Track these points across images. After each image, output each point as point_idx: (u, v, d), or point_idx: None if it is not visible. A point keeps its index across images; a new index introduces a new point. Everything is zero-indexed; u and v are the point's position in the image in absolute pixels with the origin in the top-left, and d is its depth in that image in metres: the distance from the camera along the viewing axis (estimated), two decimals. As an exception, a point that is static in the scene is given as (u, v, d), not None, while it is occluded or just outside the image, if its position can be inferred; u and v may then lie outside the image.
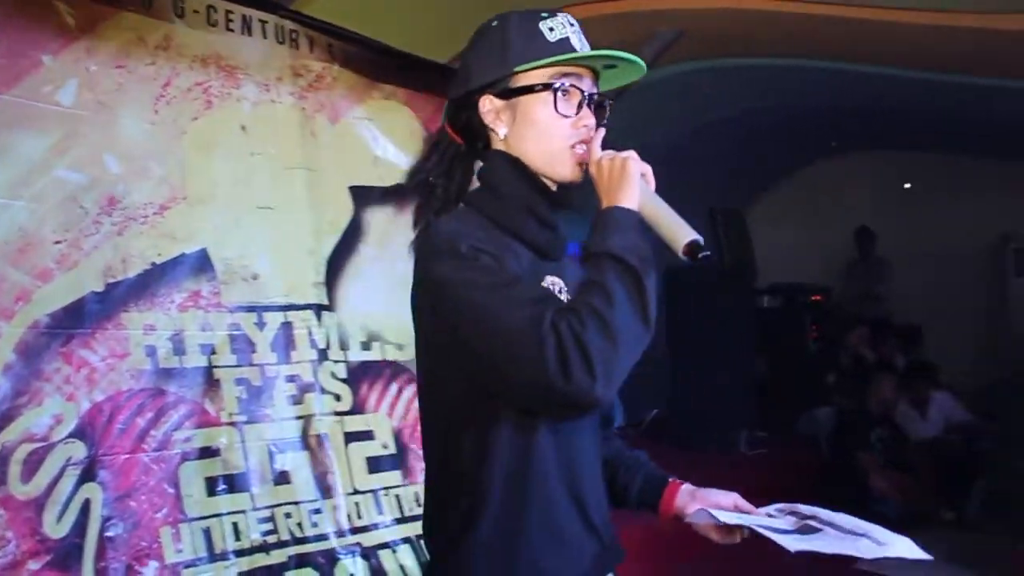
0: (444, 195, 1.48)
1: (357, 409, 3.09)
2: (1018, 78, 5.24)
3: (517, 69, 1.37)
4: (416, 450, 3.24)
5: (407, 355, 3.32)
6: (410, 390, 3.29)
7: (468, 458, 1.34)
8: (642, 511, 1.58)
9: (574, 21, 1.41)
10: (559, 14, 1.40)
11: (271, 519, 2.75)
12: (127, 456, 2.52)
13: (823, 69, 5.55)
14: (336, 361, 3.06)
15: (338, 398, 3.04)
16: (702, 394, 5.90)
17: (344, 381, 3.07)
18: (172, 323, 2.70)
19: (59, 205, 2.52)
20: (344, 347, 3.12)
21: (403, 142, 3.53)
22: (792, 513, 1.46)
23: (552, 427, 1.34)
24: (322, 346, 3.03)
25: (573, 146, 1.39)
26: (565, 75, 1.37)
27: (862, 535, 1.38)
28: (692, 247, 1.28)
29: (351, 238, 3.26)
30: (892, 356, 6.55)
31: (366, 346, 3.20)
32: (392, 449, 3.16)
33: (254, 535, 2.69)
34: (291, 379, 2.93)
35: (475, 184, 1.48)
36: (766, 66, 5.54)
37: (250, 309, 2.88)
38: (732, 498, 1.51)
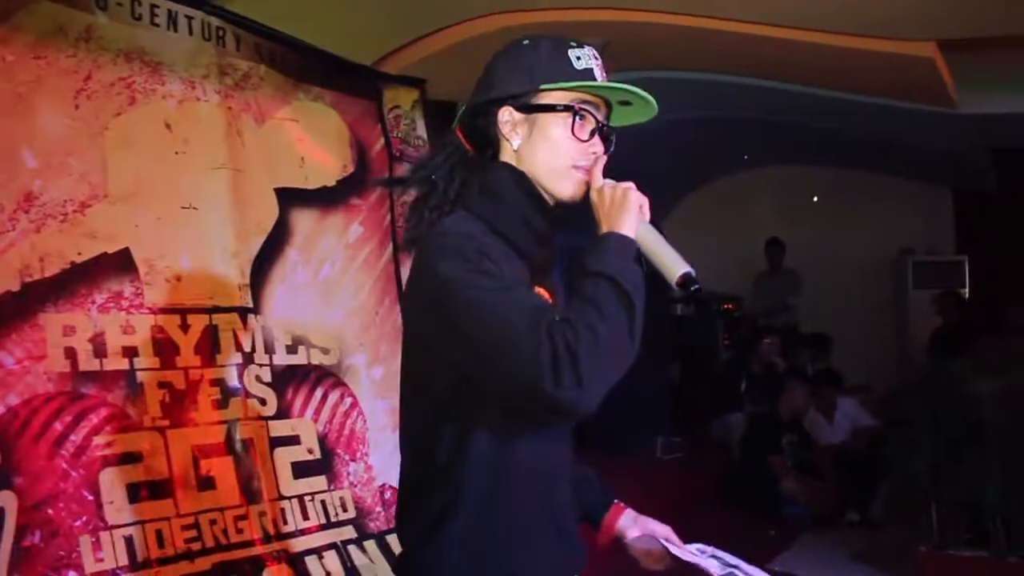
0: (443, 195, 1.51)
1: (282, 414, 3.04)
2: (889, 96, 5.50)
3: (543, 87, 1.44)
4: (341, 454, 3.21)
5: (332, 359, 3.30)
6: (335, 394, 3.27)
7: (448, 454, 1.37)
8: (583, 522, 1.63)
9: (598, 56, 1.48)
10: (586, 46, 1.48)
11: (195, 526, 2.68)
12: (44, 462, 2.42)
13: (739, 84, 5.71)
14: (261, 365, 3.01)
15: (263, 402, 2.98)
16: (622, 399, 5.98)
17: (269, 385, 3.02)
18: (92, 324, 2.61)
19: (-28, 201, 2.42)
20: (269, 350, 3.07)
21: (329, 144, 3.51)
22: (714, 556, 1.57)
23: (532, 434, 1.40)
24: (247, 349, 2.97)
25: (578, 168, 1.45)
26: (585, 102, 1.44)
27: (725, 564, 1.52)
28: (685, 279, 1.36)
29: (277, 240, 3.21)
30: (802, 364, 6.78)
31: (291, 349, 3.16)
32: (317, 454, 3.12)
33: (178, 542, 2.61)
34: (215, 383, 2.86)
35: (476, 191, 1.50)
36: (686, 79, 5.67)
37: (173, 311, 2.81)
38: (666, 530, 1.60)
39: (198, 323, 2.86)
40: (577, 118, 1.44)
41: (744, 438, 6.10)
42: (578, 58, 1.45)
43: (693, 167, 8.25)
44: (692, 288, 1.36)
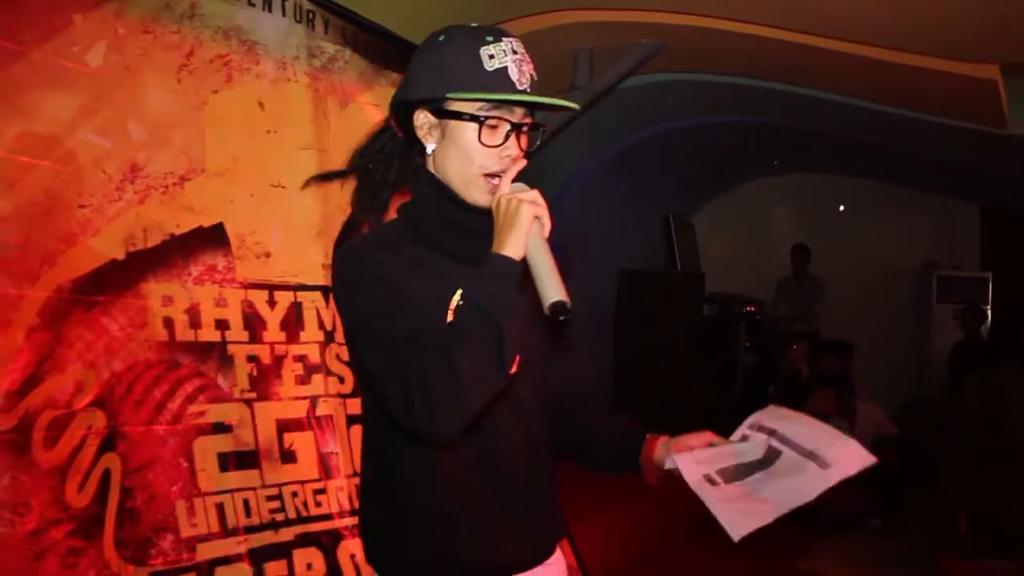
0: (381, 181, 1.62)
1: (358, 392, 3.10)
2: (943, 115, 5.57)
3: (449, 96, 1.43)
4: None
5: (405, 342, 3.35)
6: (405, 376, 3.32)
7: (384, 444, 1.50)
8: (628, 470, 1.68)
9: (519, 48, 1.45)
10: (504, 39, 1.44)
11: (279, 497, 2.74)
12: (144, 428, 2.48)
13: (782, 92, 5.78)
14: (340, 343, 3.07)
15: (342, 380, 3.04)
16: (645, 395, 6.07)
17: (347, 364, 3.08)
18: (189, 296, 2.67)
19: (84, 169, 2.48)
20: (347, 330, 3.12)
21: (406, 130, 3.55)
22: (760, 429, 1.58)
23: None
24: (328, 328, 3.03)
25: (491, 175, 1.46)
26: (496, 106, 1.43)
27: (810, 455, 1.50)
28: (555, 307, 1.33)
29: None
30: (827, 371, 6.85)
31: (366, 330, 3.22)
32: (389, 434, 3.18)
33: (263, 512, 2.68)
34: (298, 359, 2.92)
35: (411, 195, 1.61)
36: (731, 84, 5.74)
37: (262, 287, 2.87)
38: (705, 437, 1.61)
39: (284, 300, 2.92)
40: (483, 126, 1.43)
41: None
42: (491, 56, 1.41)
43: (725, 169, 8.32)
44: (560, 318, 1.32)
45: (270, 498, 2.72)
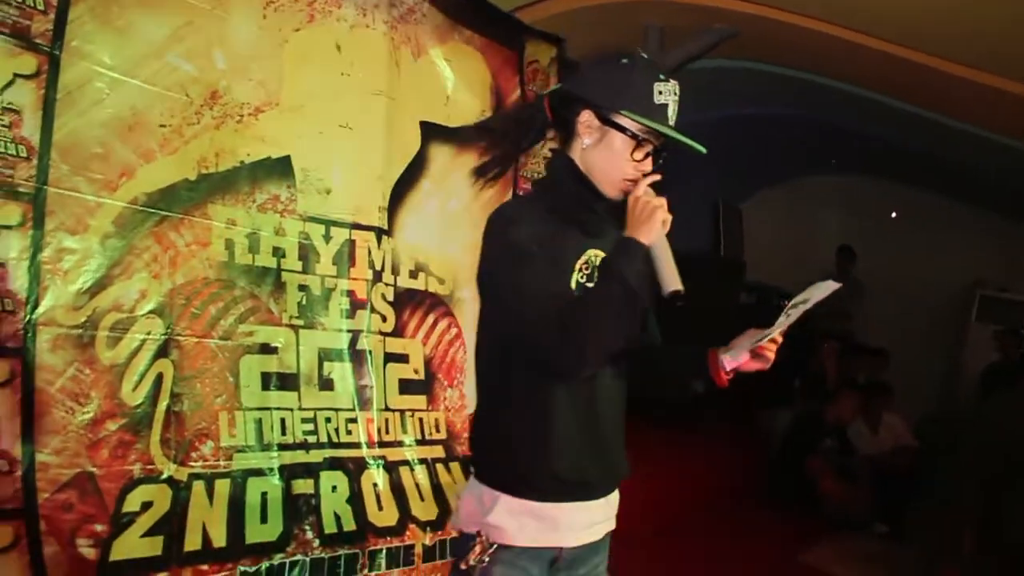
0: (511, 150, 1.92)
1: (398, 332, 3.24)
2: (1014, 137, 5.52)
3: (623, 112, 1.74)
4: (441, 379, 3.41)
5: (446, 289, 3.49)
6: (444, 322, 3.46)
7: (504, 388, 1.78)
8: (698, 382, 1.92)
9: (678, 91, 1.76)
10: (671, 81, 1.76)
11: (313, 420, 2.90)
12: (197, 340, 2.65)
13: (846, 92, 5.75)
14: (387, 284, 3.21)
15: (384, 319, 3.19)
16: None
17: (391, 304, 3.22)
18: (251, 221, 2.82)
19: (168, 90, 2.62)
20: (395, 272, 3.26)
21: (473, 88, 3.66)
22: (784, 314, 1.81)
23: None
24: (378, 268, 3.16)
25: (628, 181, 1.78)
26: (649, 131, 1.75)
27: (803, 301, 1.73)
28: (674, 294, 1.71)
29: (415, 170, 3.38)
30: (857, 374, 6.88)
31: (413, 275, 3.35)
32: (422, 375, 3.33)
33: (297, 433, 2.84)
34: (347, 293, 3.06)
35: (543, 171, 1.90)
36: (794, 78, 5.73)
37: (320, 221, 3.01)
38: (748, 334, 1.82)
39: (339, 236, 3.05)
40: (638, 143, 1.75)
41: (786, 434, 6.25)
42: (660, 92, 1.73)
43: (778, 162, 8.30)
44: (678, 302, 1.70)
45: (305, 420, 2.88)
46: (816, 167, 8.69)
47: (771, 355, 1.79)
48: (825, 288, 1.70)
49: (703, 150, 1.73)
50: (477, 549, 1.77)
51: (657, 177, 1.78)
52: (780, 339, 1.77)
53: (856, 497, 5.88)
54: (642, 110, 1.72)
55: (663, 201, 1.74)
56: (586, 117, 1.78)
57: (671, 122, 1.75)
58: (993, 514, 4.91)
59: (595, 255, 1.80)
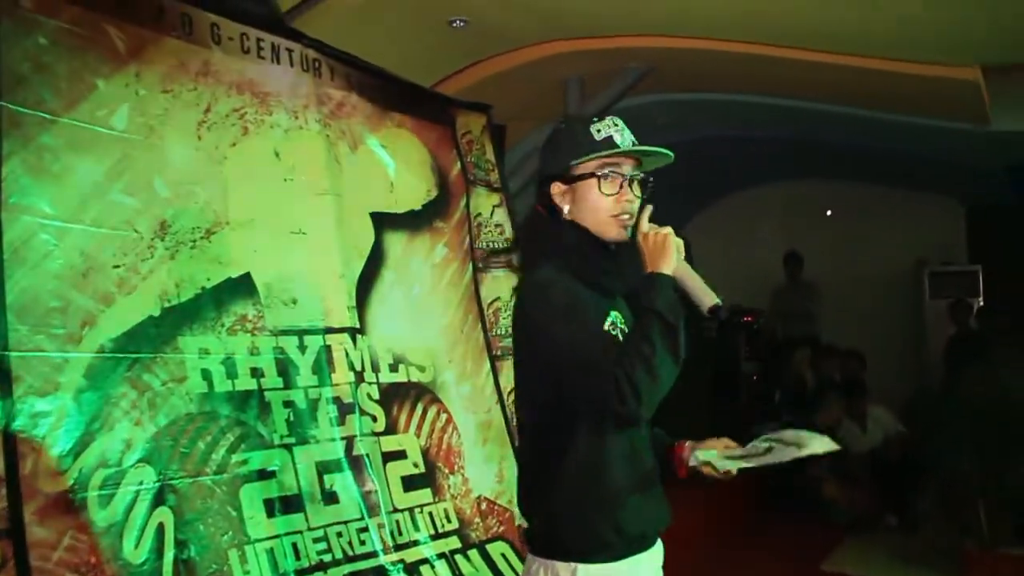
0: (534, 249, 1.95)
1: (390, 430, 3.15)
2: (927, 116, 5.71)
3: (571, 163, 1.83)
4: (441, 468, 3.32)
5: (428, 376, 3.41)
6: (433, 410, 3.38)
7: (557, 444, 1.78)
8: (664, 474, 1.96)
9: (619, 121, 1.85)
10: (607, 117, 1.86)
11: (325, 538, 2.78)
12: (192, 480, 2.52)
13: (769, 105, 5.90)
14: (370, 383, 3.12)
15: (374, 419, 3.09)
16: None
17: (378, 402, 3.13)
18: (224, 347, 2.72)
19: (116, 229, 2.52)
20: (375, 369, 3.18)
21: (415, 169, 3.64)
22: (765, 440, 1.82)
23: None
24: (358, 368, 3.08)
25: (616, 216, 1.82)
26: (608, 165, 1.82)
27: (792, 445, 1.76)
28: (714, 308, 1.76)
29: (374, 263, 3.33)
30: (832, 374, 6.94)
31: (393, 368, 3.27)
32: (422, 468, 3.23)
33: (311, 554, 2.71)
34: (332, 401, 2.97)
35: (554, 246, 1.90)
36: (719, 101, 5.86)
37: (292, 332, 2.92)
38: (723, 442, 1.87)
39: (314, 344, 2.97)
40: (601, 180, 1.81)
41: (778, 447, 6.23)
42: (598, 131, 1.82)
43: (713, 181, 8.43)
44: (719, 316, 1.78)
45: (316, 540, 2.75)
46: (745, 180, 8.85)
47: (731, 475, 1.81)
48: (824, 445, 1.74)
49: (670, 155, 1.82)
50: None
51: (650, 208, 1.84)
52: (735, 473, 1.80)
53: (860, 496, 5.89)
54: (586, 151, 1.81)
55: (669, 229, 1.80)
56: (555, 189, 1.86)
57: (623, 147, 1.81)
58: (997, 479, 4.95)
59: (616, 317, 1.85)
